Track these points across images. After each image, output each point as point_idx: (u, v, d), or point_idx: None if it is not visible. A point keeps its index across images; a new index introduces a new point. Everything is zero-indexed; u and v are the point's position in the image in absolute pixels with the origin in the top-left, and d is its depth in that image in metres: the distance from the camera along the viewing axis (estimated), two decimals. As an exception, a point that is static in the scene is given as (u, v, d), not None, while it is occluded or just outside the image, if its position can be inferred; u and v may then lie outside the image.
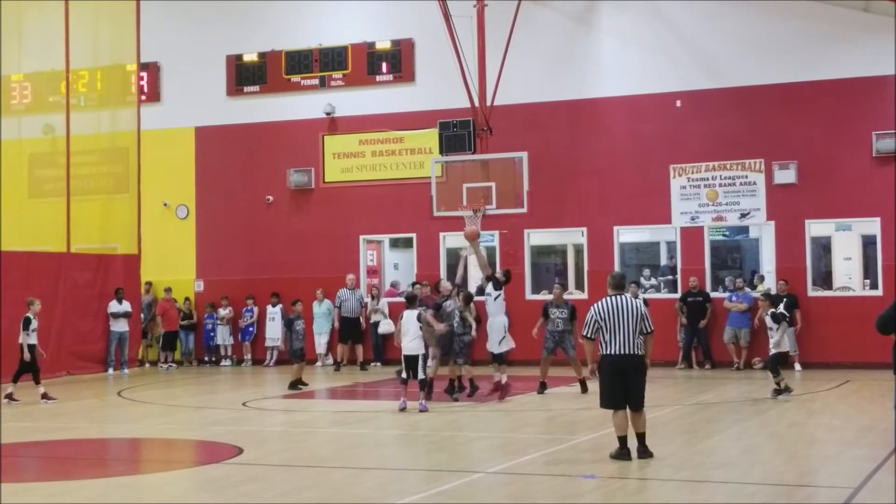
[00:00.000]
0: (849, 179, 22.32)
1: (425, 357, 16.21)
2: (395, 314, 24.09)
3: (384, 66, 25.65)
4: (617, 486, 10.25)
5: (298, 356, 19.91)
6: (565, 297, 19.76)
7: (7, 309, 20.84)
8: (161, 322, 25.96)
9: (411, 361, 16.00)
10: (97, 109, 26.42)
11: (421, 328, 16.07)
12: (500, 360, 17.29)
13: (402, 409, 15.82)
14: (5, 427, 14.65)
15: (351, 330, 24.57)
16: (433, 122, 24.77)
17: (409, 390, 16.04)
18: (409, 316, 16.14)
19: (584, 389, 17.68)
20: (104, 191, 25.98)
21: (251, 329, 26.14)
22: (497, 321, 17.41)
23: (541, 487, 10.39)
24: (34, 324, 18.43)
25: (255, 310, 26.05)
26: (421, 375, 15.93)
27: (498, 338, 17.30)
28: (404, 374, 16.07)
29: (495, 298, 17.50)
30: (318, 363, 25.14)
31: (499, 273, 18.14)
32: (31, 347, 18.33)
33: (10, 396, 18.21)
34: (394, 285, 26.07)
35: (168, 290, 26.25)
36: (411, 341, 16.03)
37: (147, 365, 25.96)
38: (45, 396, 18.30)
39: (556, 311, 18.33)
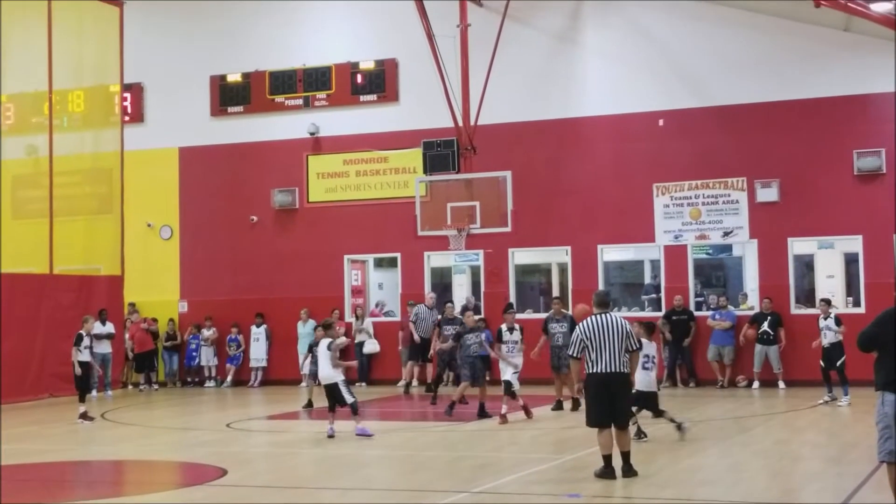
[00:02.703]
0: (831, 197, 22.44)
1: (346, 382, 15.44)
2: (379, 334, 24.11)
3: (368, 86, 25.69)
4: (602, 505, 10.26)
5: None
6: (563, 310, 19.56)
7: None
8: (131, 345, 25.73)
9: (330, 390, 15.31)
10: (80, 130, 26.31)
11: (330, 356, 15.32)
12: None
13: (331, 437, 15.21)
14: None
15: (423, 350, 22.93)
16: (417, 142, 24.80)
17: (335, 417, 15.41)
18: (323, 344, 15.55)
19: (576, 407, 17.63)
20: (87, 211, 25.89)
21: (238, 355, 26.00)
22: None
23: (526, 507, 10.40)
24: (86, 341, 18.80)
25: (240, 338, 25.93)
26: (350, 399, 15.21)
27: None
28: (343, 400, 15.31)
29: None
30: (303, 384, 25.05)
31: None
32: (83, 364, 18.59)
33: (84, 416, 18.31)
34: (378, 305, 26.06)
35: (135, 312, 26.06)
36: (323, 370, 15.41)
37: (129, 387, 25.84)
38: (84, 416, 18.33)
39: (556, 326, 18.34)
